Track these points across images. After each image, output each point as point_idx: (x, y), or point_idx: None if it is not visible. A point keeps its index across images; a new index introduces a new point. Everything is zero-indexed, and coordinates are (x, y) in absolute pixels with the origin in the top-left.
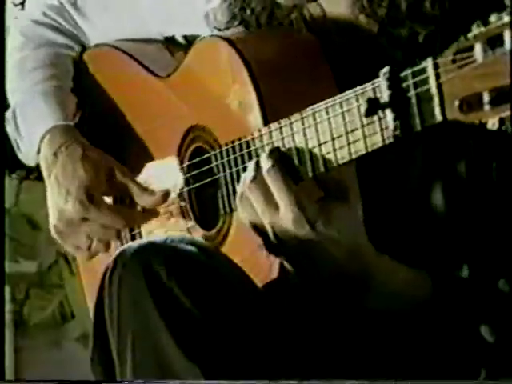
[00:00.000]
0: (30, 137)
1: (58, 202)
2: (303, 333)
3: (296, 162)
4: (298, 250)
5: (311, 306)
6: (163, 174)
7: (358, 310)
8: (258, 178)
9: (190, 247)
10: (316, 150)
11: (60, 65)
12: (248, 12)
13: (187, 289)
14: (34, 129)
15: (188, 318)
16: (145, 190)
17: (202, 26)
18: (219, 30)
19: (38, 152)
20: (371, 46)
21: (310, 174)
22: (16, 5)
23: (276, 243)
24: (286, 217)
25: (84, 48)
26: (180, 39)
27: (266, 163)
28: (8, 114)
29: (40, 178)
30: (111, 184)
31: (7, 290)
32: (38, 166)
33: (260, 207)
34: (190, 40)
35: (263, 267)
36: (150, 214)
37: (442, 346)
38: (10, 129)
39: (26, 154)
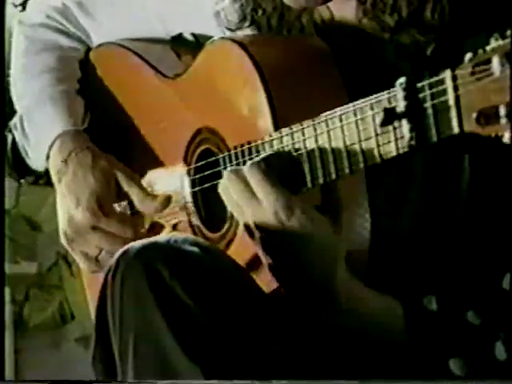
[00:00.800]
0: (38, 142)
1: (69, 208)
2: (305, 334)
3: (306, 168)
4: (278, 244)
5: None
6: (168, 178)
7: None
8: (238, 171)
9: (192, 248)
10: (328, 157)
11: (66, 68)
12: (259, 13)
13: (190, 289)
14: (43, 134)
15: (190, 318)
16: (147, 195)
17: (210, 25)
18: (230, 30)
19: (47, 158)
20: (380, 52)
21: (321, 181)
22: (16, 6)
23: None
24: (266, 208)
25: (89, 48)
26: (188, 36)
27: (250, 162)
28: (15, 120)
29: (49, 183)
30: (121, 191)
31: (7, 291)
32: (46, 171)
33: (238, 197)
34: (199, 38)
35: (267, 271)
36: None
37: (412, 376)
38: (17, 135)
39: (35, 159)
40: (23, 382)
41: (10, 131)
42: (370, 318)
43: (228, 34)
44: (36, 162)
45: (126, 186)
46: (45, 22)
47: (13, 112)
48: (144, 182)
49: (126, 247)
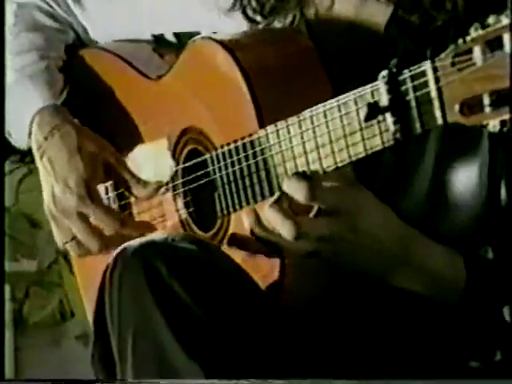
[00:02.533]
0: (19, 120)
1: (54, 187)
2: (306, 331)
3: (293, 164)
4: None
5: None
6: (153, 160)
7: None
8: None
9: (190, 245)
10: (314, 153)
11: (52, 47)
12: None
13: (188, 287)
14: (23, 111)
15: (189, 315)
16: (139, 180)
17: (191, 22)
18: (222, 11)
19: (30, 135)
20: (373, 46)
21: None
22: None
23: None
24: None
25: (78, 36)
26: (170, 37)
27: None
28: None
29: (34, 161)
30: (108, 173)
31: (7, 288)
32: (30, 150)
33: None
34: (181, 38)
35: (264, 268)
36: (144, 224)
37: (462, 330)
38: None
39: (18, 138)
40: (23, 382)
41: None
42: (430, 274)
43: (218, 18)
44: (19, 140)
45: (120, 169)
46: (35, 2)
47: None
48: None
49: (123, 246)
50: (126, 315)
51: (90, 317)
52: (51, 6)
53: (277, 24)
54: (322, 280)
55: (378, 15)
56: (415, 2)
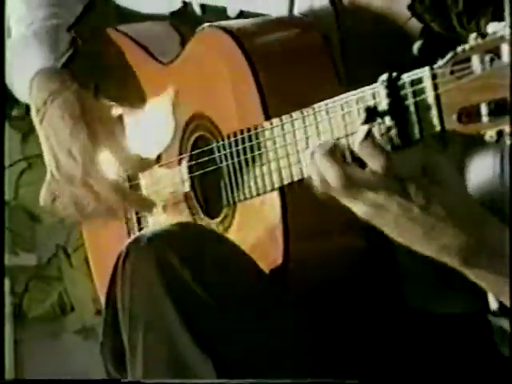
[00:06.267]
0: (21, 75)
1: (58, 155)
2: (315, 328)
3: (296, 158)
4: None
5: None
6: (156, 121)
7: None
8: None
9: (202, 235)
10: None
11: (64, 4)
12: None
13: (200, 277)
14: (25, 68)
15: (201, 306)
16: (129, 155)
17: None
18: None
19: (30, 95)
20: (398, 36)
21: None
22: None
23: None
24: None
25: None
26: (196, 8)
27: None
28: (8, 44)
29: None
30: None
31: (7, 282)
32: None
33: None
34: (207, 10)
35: (268, 255)
36: (146, 200)
37: None
38: (6, 65)
39: (20, 92)
40: (23, 382)
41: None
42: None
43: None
44: (21, 94)
45: (110, 143)
46: None
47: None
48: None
49: (136, 235)
50: (138, 305)
51: (100, 295)
52: None
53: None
54: (328, 271)
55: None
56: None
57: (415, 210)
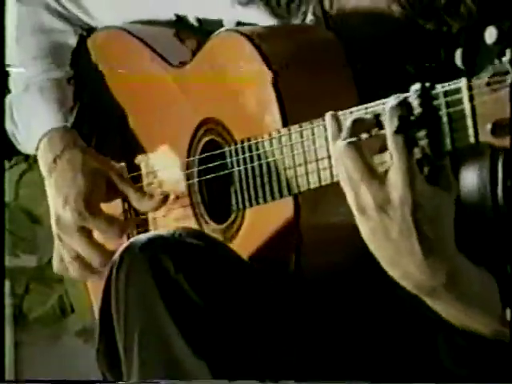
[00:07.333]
0: (27, 132)
1: (57, 207)
2: (314, 330)
3: (315, 166)
4: None
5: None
6: (172, 167)
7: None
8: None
9: (197, 241)
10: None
11: (58, 54)
12: None
13: (195, 283)
14: (31, 126)
15: (195, 312)
16: (143, 194)
17: (215, 10)
18: (241, 4)
19: (37, 150)
20: (396, 39)
21: (329, 181)
22: None
23: None
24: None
25: (88, 30)
26: (192, 21)
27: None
28: (6, 102)
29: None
30: (112, 190)
31: (7, 284)
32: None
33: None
34: (203, 23)
35: (278, 262)
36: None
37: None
38: (6, 118)
39: (25, 147)
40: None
41: None
42: (469, 299)
43: (240, 9)
44: (25, 148)
45: (122, 186)
46: (44, 1)
47: None
48: (146, 167)
49: (129, 241)
50: (133, 311)
51: (95, 307)
52: (60, 3)
53: (295, 20)
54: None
55: (395, 1)
56: (432, 10)
57: (394, 233)
